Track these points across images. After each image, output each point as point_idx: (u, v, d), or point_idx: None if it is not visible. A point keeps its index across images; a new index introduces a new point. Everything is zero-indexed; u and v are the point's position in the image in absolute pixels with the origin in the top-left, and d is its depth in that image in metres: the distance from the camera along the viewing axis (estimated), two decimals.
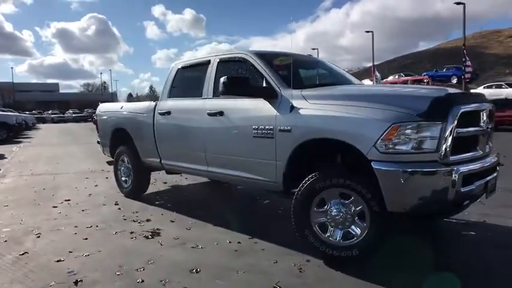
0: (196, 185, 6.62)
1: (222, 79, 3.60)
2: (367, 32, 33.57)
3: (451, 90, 3.15)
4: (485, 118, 3.19)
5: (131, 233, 4.05)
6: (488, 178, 3.10)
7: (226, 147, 3.99)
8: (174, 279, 2.90)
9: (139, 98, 78.59)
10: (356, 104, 3.02)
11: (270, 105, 3.54)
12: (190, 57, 5.07)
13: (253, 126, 3.63)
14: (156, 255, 3.40)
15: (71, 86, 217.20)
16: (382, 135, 2.77)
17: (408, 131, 2.74)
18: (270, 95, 3.57)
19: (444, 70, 31.23)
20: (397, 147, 2.77)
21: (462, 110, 2.86)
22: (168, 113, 4.71)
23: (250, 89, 3.62)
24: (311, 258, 3.21)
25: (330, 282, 2.82)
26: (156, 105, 4.99)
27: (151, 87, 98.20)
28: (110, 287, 2.82)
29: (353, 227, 3.08)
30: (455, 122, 2.79)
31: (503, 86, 25.43)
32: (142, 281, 2.90)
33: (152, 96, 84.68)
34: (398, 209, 2.81)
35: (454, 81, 29.00)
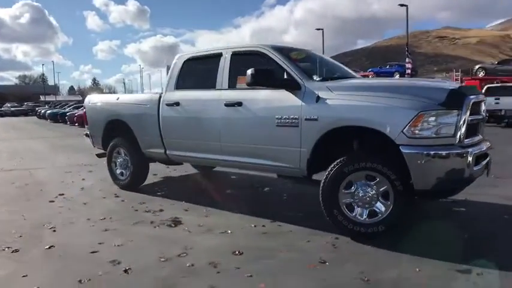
0: (188, 176, 6.66)
1: (249, 71, 3.76)
2: (318, 29, 34.63)
3: (458, 84, 3.59)
4: (484, 107, 3.68)
5: (151, 222, 4.09)
6: (488, 159, 3.58)
7: (245, 137, 4.15)
8: (221, 261, 3.04)
9: (82, 92, 74.52)
10: (381, 95, 3.34)
11: (293, 96, 3.76)
12: (196, 50, 5.11)
13: (276, 116, 3.83)
14: (190, 242, 3.50)
15: (3, 77, 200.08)
16: (410, 122, 3.13)
17: (431, 118, 3.12)
18: (294, 87, 3.78)
19: (387, 67, 33.28)
20: (421, 132, 3.14)
21: (472, 100, 3.30)
22: (177, 104, 4.75)
23: (275, 81, 3.82)
24: (339, 236, 3.50)
25: (365, 256, 3.13)
26: (160, 96, 4.99)
27: (94, 80, 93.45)
28: (163, 273, 2.89)
29: (378, 205, 3.41)
30: (468, 110, 3.22)
31: None
32: (192, 264, 3.00)
33: (96, 89, 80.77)
34: (423, 187, 3.19)
35: (397, 77, 30.99)
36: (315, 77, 3.86)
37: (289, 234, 3.65)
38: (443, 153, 3.11)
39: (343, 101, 3.48)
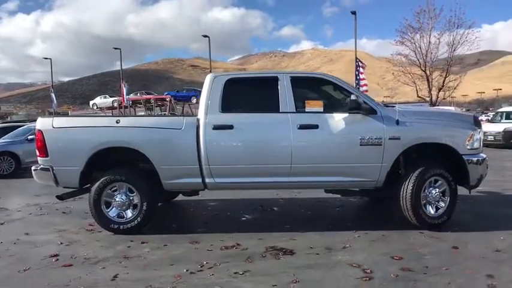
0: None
1: (353, 97, 4.22)
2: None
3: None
4: None
5: (263, 256, 3.75)
6: None
7: (324, 157, 4.41)
8: (411, 267, 3.38)
9: None
10: (442, 119, 4.56)
11: (373, 119, 4.42)
12: (234, 71, 4.84)
13: (360, 137, 4.38)
14: (342, 262, 3.58)
15: None
16: (467, 139, 4.45)
17: (474, 136, 4.54)
18: (371, 111, 4.45)
19: (184, 91, 35.28)
20: (470, 145, 4.51)
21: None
22: (230, 127, 4.41)
23: (362, 106, 4.36)
24: (422, 231, 4.38)
25: (466, 237, 4.16)
26: (199, 119, 4.46)
27: None
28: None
29: (440, 202, 4.53)
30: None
31: None
32: (397, 276, 3.22)
33: None
34: (474, 183, 4.54)
35: (194, 101, 33.38)
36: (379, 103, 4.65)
37: (388, 239, 4.20)
38: (483, 158, 4.58)
39: (419, 124, 4.47)
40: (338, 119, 4.45)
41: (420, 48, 21.67)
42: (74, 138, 4.50)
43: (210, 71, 31.62)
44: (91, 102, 38.95)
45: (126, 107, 33.36)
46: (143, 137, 4.45)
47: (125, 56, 32.95)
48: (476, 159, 4.49)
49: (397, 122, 4.42)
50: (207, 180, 4.52)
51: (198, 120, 4.48)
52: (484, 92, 75.63)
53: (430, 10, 21.86)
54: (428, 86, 22.17)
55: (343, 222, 4.93)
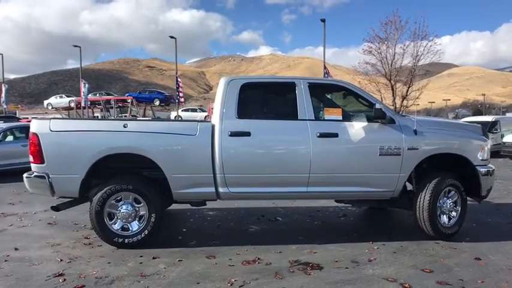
0: None
1: (377, 106, 4.14)
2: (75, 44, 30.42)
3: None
4: None
5: (291, 272, 3.56)
6: None
7: (344, 166, 4.30)
8: (446, 279, 3.35)
9: None
10: (457, 130, 4.62)
11: (392, 129, 4.37)
12: (250, 75, 4.62)
13: (379, 146, 4.32)
14: (376, 276, 3.48)
15: None
16: (480, 150, 4.54)
17: (485, 147, 4.64)
18: (390, 121, 4.40)
19: (147, 93, 34.09)
20: (481, 157, 4.60)
21: None
22: (247, 134, 4.17)
23: (385, 115, 4.29)
24: (438, 242, 4.39)
25: (481, 247, 4.21)
26: (214, 125, 4.19)
27: None
28: None
29: (452, 212, 4.57)
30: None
31: (197, 110, 31.23)
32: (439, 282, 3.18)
33: None
34: (485, 193, 4.63)
35: (157, 103, 32.44)
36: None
37: (408, 250, 4.16)
38: (493, 169, 4.68)
39: (435, 134, 4.48)
40: (357, 128, 4.35)
41: (386, 58, 22.51)
42: (75, 143, 4.05)
43: (176, 73, 31.00)
44: (45, 102, 36.60)
45: (84, 108, 31.71)
46: (154, 143, 4.10)
47: (78, 54, 31.47)
48: (486, 170, 4.59)
49: (415, 132, 4.41)
50: (220, 189, 4.24)
51: (213, 126, 4.21)
52: (434, 102, 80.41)
53: (396, 21, 22.73)
54: (393, 94, 23.03)
55: (354, 232, 4.85)
